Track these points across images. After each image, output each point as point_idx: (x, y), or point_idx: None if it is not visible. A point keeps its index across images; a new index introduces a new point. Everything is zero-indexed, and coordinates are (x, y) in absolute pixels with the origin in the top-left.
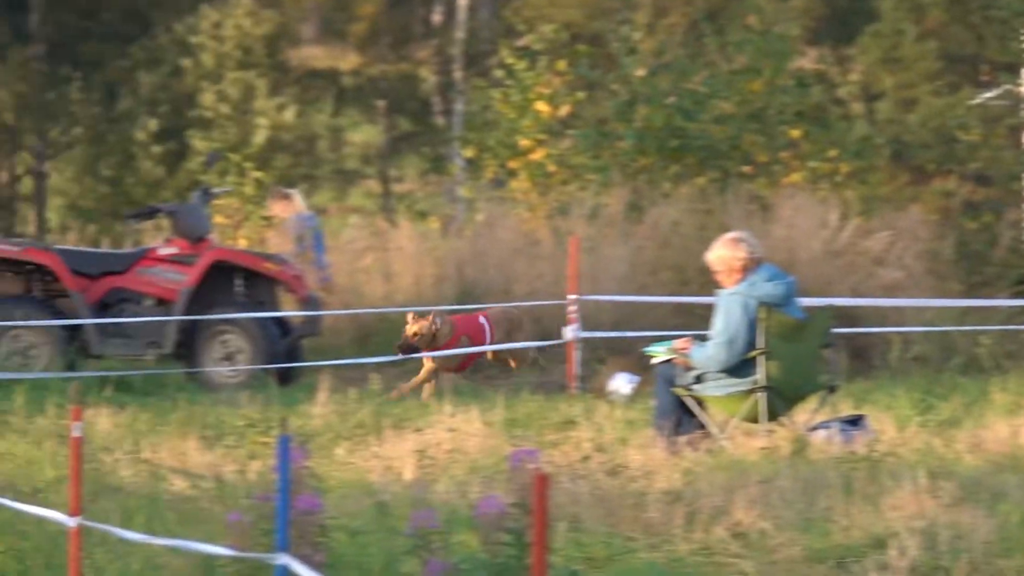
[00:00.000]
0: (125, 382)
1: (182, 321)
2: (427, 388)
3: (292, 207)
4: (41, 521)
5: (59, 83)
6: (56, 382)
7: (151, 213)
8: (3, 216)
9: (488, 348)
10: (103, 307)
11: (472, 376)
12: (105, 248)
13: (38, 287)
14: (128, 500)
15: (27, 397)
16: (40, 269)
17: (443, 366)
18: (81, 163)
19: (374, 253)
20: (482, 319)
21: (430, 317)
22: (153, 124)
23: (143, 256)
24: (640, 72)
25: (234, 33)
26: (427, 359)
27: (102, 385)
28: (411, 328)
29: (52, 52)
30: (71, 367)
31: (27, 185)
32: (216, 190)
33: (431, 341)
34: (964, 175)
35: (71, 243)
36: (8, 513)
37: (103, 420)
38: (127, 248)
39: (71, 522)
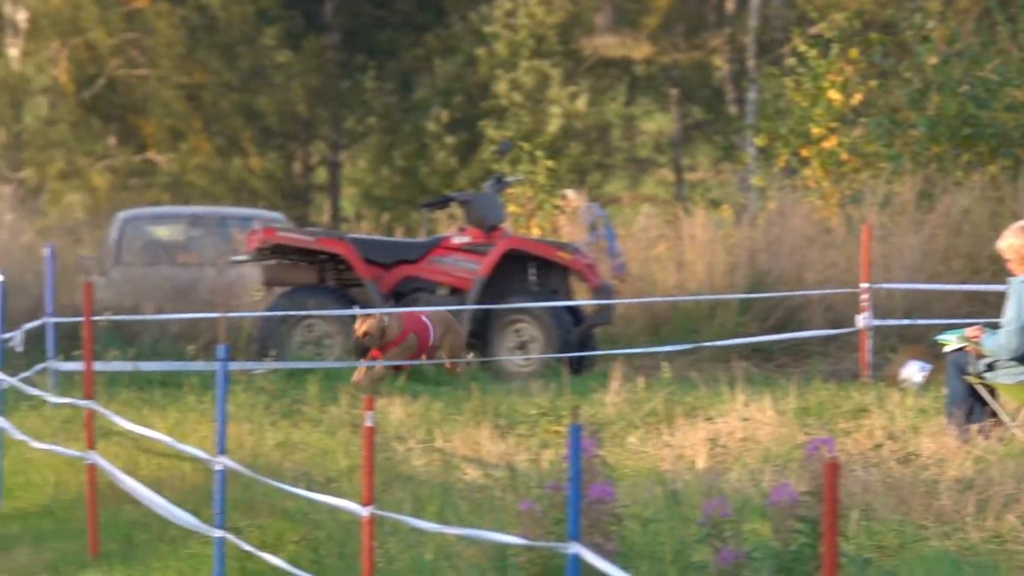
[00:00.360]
0: (418, 371)
1: (476, 310)
2: (360, 373)
3: (572, 205)
4: (334, 511)
5: (353, 73)
6: (350, 371)
7: (445, 202)
8: (298, 205)
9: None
10: (397, 296)
11: (763, 365)
12: (398, 237)
13: (332, 276)
14: (420, 489)
15: (321, 387)
16: (334, 258)
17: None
18: (375, 152)
19: (667, 242)
20: (424, 318)
21: (378, 316)
22: (445, 115)
23: (437, 245)
24: (933, 60)
25: (527, 22)
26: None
27: (395, 374)
28: (360, 327)
29: (346, 41)
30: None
31: (321, 175)
32: (509, 179)
33: (381, 338)
34: None
35: (365, 232)
36: (302, 503)
37: (396, 409)
38: (421, 237)
39: (364, 511)
